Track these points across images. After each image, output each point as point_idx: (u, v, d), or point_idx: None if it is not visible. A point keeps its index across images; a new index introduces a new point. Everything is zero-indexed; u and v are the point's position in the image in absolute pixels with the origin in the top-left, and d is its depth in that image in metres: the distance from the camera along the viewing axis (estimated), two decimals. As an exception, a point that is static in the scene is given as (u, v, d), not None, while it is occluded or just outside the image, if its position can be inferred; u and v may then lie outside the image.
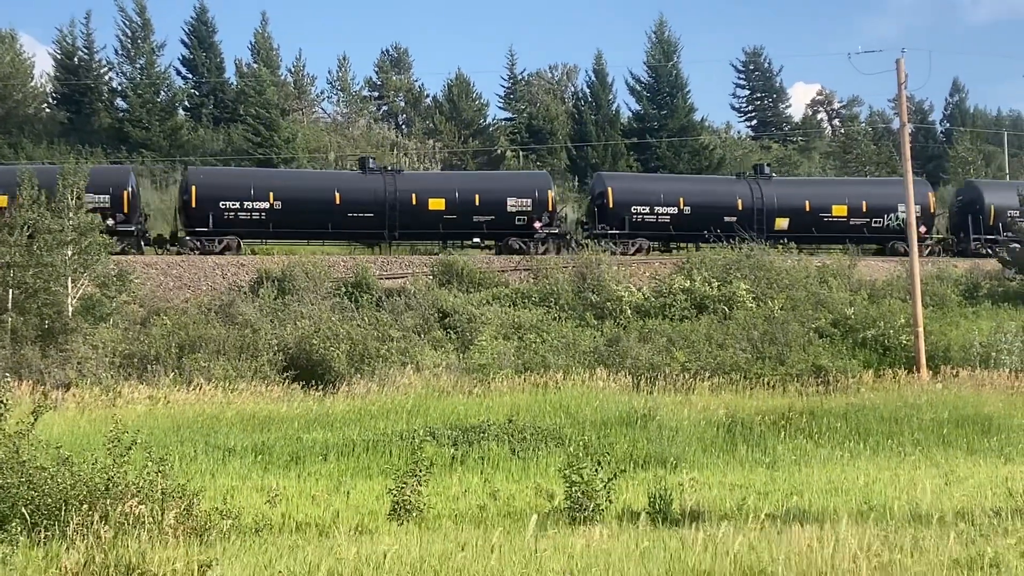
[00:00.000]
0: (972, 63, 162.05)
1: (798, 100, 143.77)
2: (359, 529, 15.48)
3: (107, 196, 49.01)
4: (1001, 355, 40.86)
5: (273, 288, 45.54)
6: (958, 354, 41.49)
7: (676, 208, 54.64)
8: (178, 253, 50.37)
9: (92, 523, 10.81)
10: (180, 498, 14.90)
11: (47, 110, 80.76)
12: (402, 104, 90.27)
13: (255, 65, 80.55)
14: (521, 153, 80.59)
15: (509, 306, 45.86)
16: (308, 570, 11.03)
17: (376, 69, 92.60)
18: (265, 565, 11.39)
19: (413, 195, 52.65)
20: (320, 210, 51.37)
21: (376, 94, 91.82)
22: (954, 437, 29.97)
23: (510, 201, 53.29)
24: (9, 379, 33.67)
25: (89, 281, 41.99)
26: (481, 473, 24.49)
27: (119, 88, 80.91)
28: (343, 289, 46.15)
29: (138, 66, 79.85)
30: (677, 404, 33.59)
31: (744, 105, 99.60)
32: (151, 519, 12.82)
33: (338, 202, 51.73)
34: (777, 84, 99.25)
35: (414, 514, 17.02)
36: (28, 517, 13.65)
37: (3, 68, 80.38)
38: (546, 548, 12.48)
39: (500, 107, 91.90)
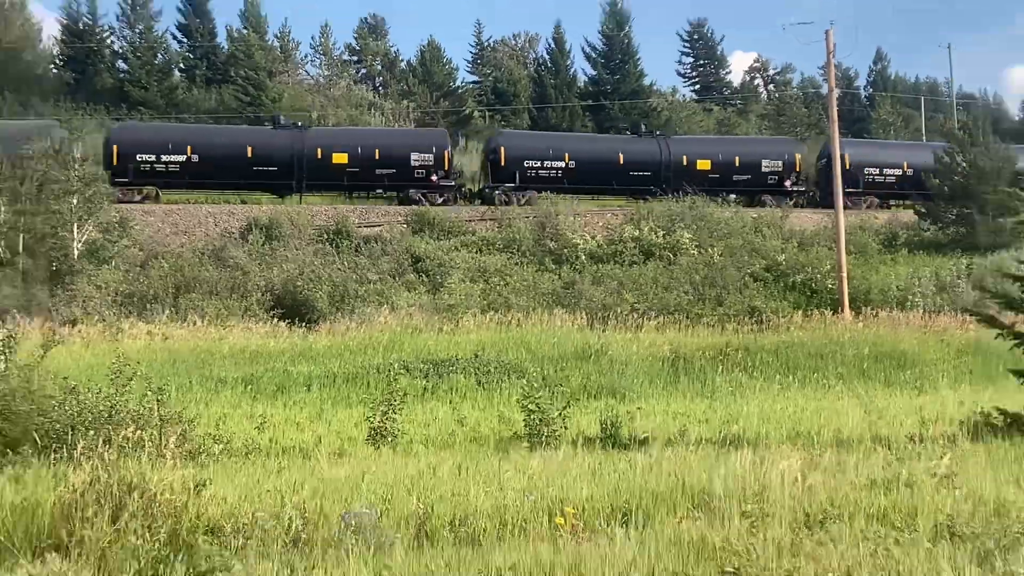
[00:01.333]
0: (894, 33, 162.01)
1: (737, 67, 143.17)
2: (339, 453, 15.49)
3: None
4: (915, 298, 41.15)
5: (261, 234, 45.36)
6: (877, 297, 41.72)
7: (563, 163, 53.57)
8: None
9: (97, 447, 10.75)
10: (176, 424, 14.88)
11: (54, 71, 79.92)
12: (379, 68, 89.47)
13: (245, 31, 79.85)
14: (487, 114, 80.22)
15: (476, 252, 45.84)
16: (293, 489, 11.02)
17: (355, 35, 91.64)
18: (254, 484, 11.39)
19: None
20: (233, 163, 50.49)
21: (355, 58, 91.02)
22: (873, 371, 30.20)
23: (413, 156, 52.15)
24: (20, 316, 33.76)
25: (93, 227, 41.80)
26: (450, 402, 24.53)
27: (120, 51, 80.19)
28: (325, 236, 45.97)
29: (137, 31, 79.23)
30: (626, 341, 33.69)
31: (688, 71, 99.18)
32: (150, 443, 12.78)
33: (250, 155, 50.86)
34: (719, 52, 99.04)
35: (389, 439, 17.06)
36: (38, 441, 13.62)
37: (14, 32, 79.76)
38: (508, 470, 12.52)
39: (468, 71, 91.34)
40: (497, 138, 56.06)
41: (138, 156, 49.93)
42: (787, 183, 54.53)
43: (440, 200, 51.65)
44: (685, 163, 54.12)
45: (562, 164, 53.18)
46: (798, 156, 56.40)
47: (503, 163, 52.79)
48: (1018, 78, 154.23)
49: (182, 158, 50.32)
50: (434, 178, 51.90)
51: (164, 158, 50.05)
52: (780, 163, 55.07)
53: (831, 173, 50.85)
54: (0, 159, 41.71)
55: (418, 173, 51.80)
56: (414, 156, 51.98)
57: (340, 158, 51.20)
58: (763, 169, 54.61)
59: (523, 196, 51.94)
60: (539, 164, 53.03)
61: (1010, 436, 15.17)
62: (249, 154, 50.81)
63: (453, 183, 53.36)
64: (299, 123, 56.28)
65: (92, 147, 50.60)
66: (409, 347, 32.63)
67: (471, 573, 7.43)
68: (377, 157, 51.49)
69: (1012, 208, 37.07)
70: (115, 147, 50.04)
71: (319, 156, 51.29)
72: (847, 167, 52.14)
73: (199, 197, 51.67)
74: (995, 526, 7.89)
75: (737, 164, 54.54)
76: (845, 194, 52.63)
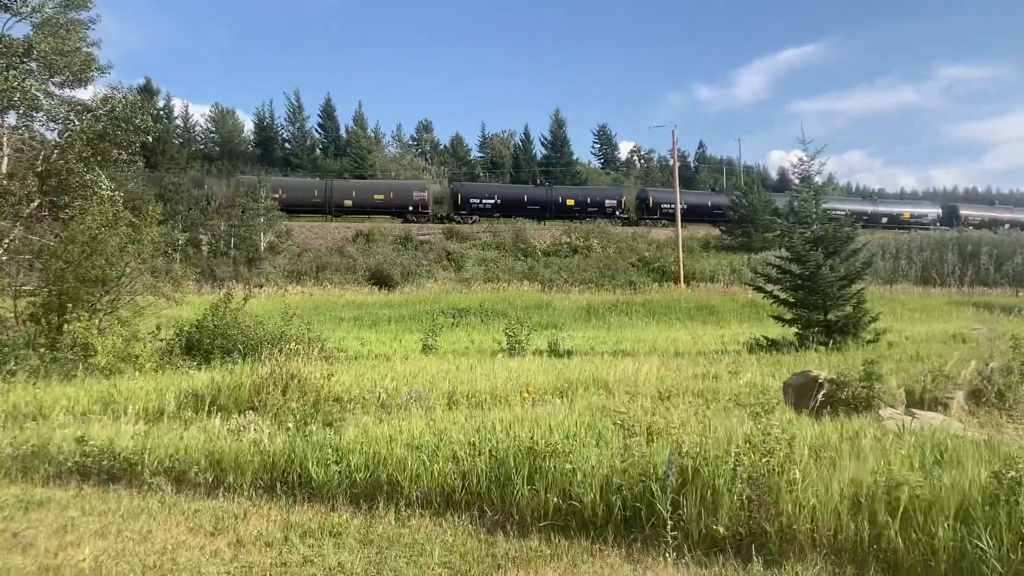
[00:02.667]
0: (708, 131, 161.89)
1: (623, 149, 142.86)
2: (406, 358, 15.49)
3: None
4: (719, 276, 41.31)
5: (363, 239, 45.24)
6: (699, 275, 41.87)
7: (495, 199, 51.16)
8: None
9: (274, 354, 10.73)
10: (317, 342, 14.86)
11: (250, 149, 79.42)
12: (428, 149, 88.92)
13: (355, 127, 79.47)
14: (488, 175, 79.86)
15: (481, 249, 45.80)
16: (381, 377, 11.03)
17: (416, 131, 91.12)
18: (359, 375, 11.39)
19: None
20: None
21: (415, 143, 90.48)
22: (696, 315, 30.37)
23: (415, 194, 49.64)
24: (231, 283, 33.60)
25: (272, 234, 41.79)
26: (466, 331, 24.58)
27: (286, 138, 79.75)
28: (398, 240, 45.87)
29: (296, 127, 78.76)
30: (562, 299, 33.78)
31: (597, 152, 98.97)
32: (303, 351, 12.77)
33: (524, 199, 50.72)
34: (614, 141, 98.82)
35: (433, 351, 17.08)
36: (241, 350, 13.60)
37: (228, 127, 79.30)
38: (497, 366, 12.54)
39: (477, 151, 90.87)
40: (457, 186, 53.52)
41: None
42: (618, 212, 52.52)
43: (424, 220, 49.64)
44: (560, 200, 52.41)
45: (493, 200, 51.45)
46: (624, 196, 54.53)
47: (459, 200, 50.85)
48: (776, 156, 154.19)
49: (492, 201, 50.34)
50: (419, 207, 49.72)
51: (485, 201, 50.19)
52: (615, 200, 53.18)
53: (644, 206, 51.17)
54: (218, 196, 41.87)
55: (412, 206, 49.67)
56: (415, 194, 49.98)
57: (379, 196, 49.24)
58: (606, 203, 52.72)
59: (471, 218, 50.52)
60: (479, 200, 51.29)
61: (770, 351, 15.25)
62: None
63: (430, 211, 50.42)
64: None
65: (434, 193, 51.11)
66: (444, 301, 32.70)
67: (477, 422, 7.44)
68: (391, 196, 49.46)
69: (770, 228, 37.18)
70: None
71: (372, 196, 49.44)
72: (650, 203, 52.04)
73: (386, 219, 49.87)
74: (761, 399, 7.93)
75: (589, 201, 52.80)
76: (649, 218, 52.15)
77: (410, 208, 49.88)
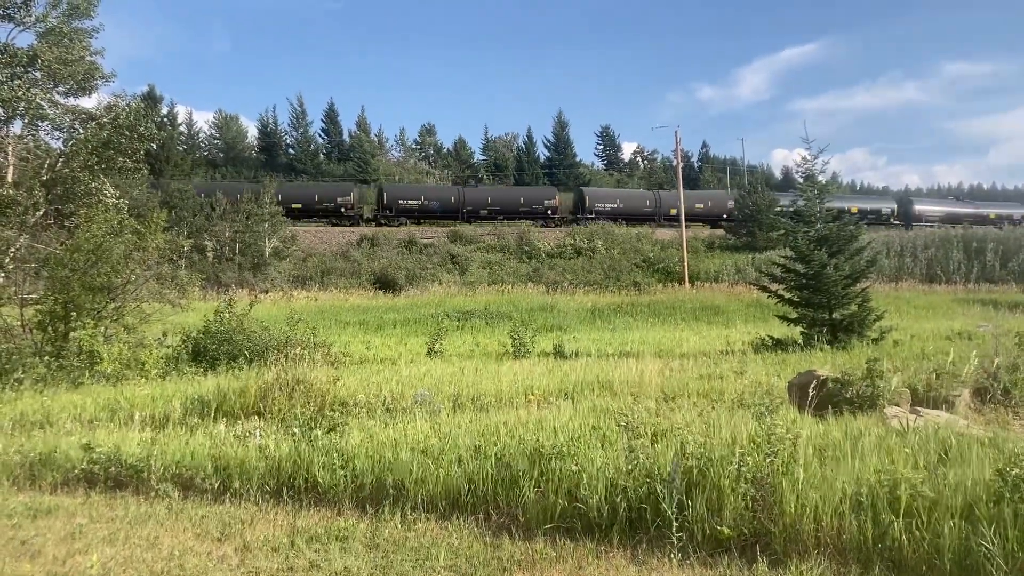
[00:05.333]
0: (712, 130, 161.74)
1: (627, 150, 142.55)
2: (411, 361, 15.51)
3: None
4: (723, 275, 41.27)
5: (368, 243, 45.33)
6: (704, 275, 41.84)
7: (420, 201, 50.32)
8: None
9: (279, 359, 10.78)
10: (323, 347, 14.92)
11: (254, 155, 79.69)
12: (432, 152, 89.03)
13: (358, 132, 79.67)
14: (491, 178, 79.94)
15: (485, 252, 45.84)
16: (386, 381, 11.05)
17: (419, 134, 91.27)
18: (365, 379, 11.41)
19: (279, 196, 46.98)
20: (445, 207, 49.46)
21: (419, 146, 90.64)
22: (701, 316, 30.32)
23: (339, 198, 49.03)
24: (236, 288, 33.67)
25: (276, 239, 41.96)
26: (471, 334, 24.60)
27: (290, 143, 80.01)
28: (402, 244, 45.95)
29: (299, 131, 78.98)
30: (566, 301, 33.79)
31: (601, 153, 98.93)
32: (308, 356, 12.81)
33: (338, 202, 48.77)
34: (617, 142, 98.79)
35: (438, 354, 17.10)
36: (247, 356, 13.64)
37: (231, 133, 79.56)
38: (502, 369, 12.56)
39: (480, 154, 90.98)
40: (383, 186, 53.36)
41: (399, 201, 49.40)
42: (549, 211, 51.69)
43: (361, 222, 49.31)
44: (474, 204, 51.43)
45: (419, 202, 50.71)
46: (558, 197, 53.50)
47: (385, 200, 49.78)
48: (779, 155, 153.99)
49: (417, 203, 49.52)
50: (343, 209, 49.27)
51: (412, 202, 49.37)
52: (551, 200, 52.35)
53: (578, 205, 51.41)
54: (223, 201, 42.02)
55: (339, 207, 49.24)
56: (340, 199, 49.29)
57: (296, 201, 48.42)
58: (544, 204, 51.65)
59: (396, 221, 49.71)
60: (406, 202, 50.46)
61: (775, 351, 15.24)
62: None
63: (356, 212, 49.97)
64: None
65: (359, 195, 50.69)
66: (448, 304, 32.73)
67: (482, 425, 7.46)
68: (316, 200, 49.03)
69: (775, 227, 37.11)
70: (384, 194, 49.37)
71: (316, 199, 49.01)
72: (587, 203, 51.21)
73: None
74: (765, 399, 7.92)
75: (522, 201, 51.86)
76: (585, 218, 51.48)
77: (338, 209, 49.12)
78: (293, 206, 47.67)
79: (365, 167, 71.86)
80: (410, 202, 50.72)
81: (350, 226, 48.98)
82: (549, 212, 52.10)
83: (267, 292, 35.89)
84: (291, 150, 79.07)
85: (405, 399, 9.61)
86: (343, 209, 49.62)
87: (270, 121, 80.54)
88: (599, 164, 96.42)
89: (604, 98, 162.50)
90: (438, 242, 46.70)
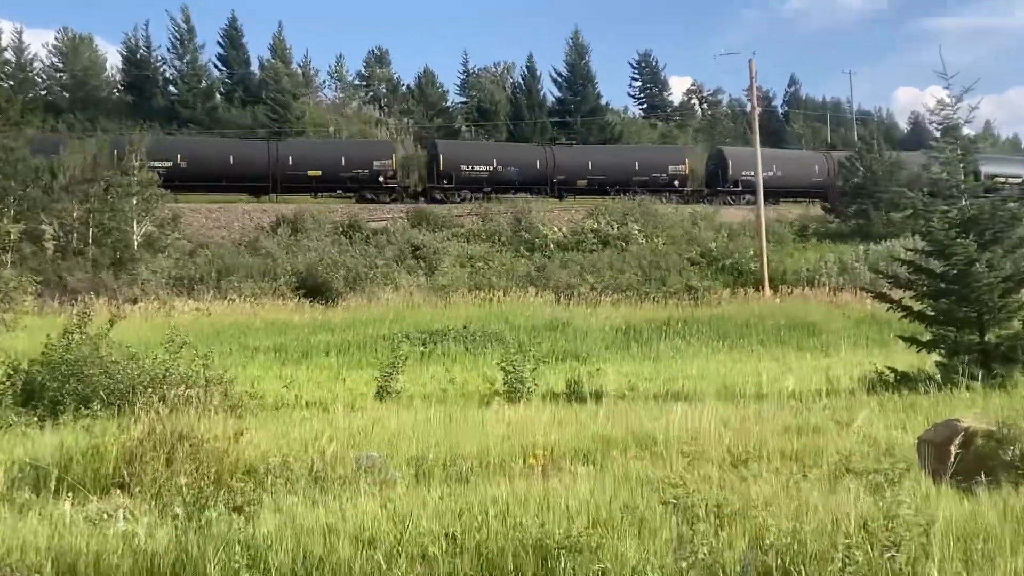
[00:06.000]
0: (804, 61, 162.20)
1: (676, 89, 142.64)
2: (353, 407, 15.47)
3: None
4: (822, 278, 41.40)
5: (288, 228, 45.35)
6: (791, 277, 42.00)
7: (491, 166, 52.88)
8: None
9: (153, 403, 10.74)
10: (219, 384, 14.84)
11: (116, 95, 79.68)
12: (384, 91, 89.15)
13: (273, 60, 79.70)
14: (473, 128, 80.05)
15: (464, 242, 45.92)
16: (315, 437, 11.02)
17: (364, 64, 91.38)
18: (283, 434, 11.38)
19: (290, 158, 51.00)
20: (218, 169, 49.67)
21: (364, 83, 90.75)
22: (788, 338, 30.30)
23: (376, 163, 51.62)
24: (90, 296, 33.70)
25: (150, 222, 41.92)
26: (443, 365, 24.50)
27: (171, 78, 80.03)
28: (340, 229, 45.95)
29: (185, 61, 78.94)
30: (587, 314, 33.81)
31: (637, 93, 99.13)
32: (197, 400, 12.77)
33: (231, 163, 50.08)
34: (662, 77, 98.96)
35: (393, 395, 17.05)
36: (105, 398, 13.57)
37: (83, 63, 79.53)
38: (489, 417, 12.54)
39: (457, 93, 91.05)
40: (438, 145, 55.60)
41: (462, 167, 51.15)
42: (676, 182, 53.91)
43: (391, 199, 51.41)
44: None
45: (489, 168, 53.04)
46: (688, 161, 56.03)
47: (441, 167, 52.35)
48: (905, 97, 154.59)
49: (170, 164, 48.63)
50: (381, 179, 51.63)
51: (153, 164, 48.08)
52: (678, 165, 54.56)
53: (715, 175, 51.33)
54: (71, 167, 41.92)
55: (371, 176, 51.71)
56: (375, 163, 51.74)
57: (310, 164, 51.21)
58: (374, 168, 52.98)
59: (459, 195, 51.98)
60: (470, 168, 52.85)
61: (899, 390, 15.26)
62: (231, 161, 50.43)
63: (397, 184, 52.54)
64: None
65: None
66: (410, 320, 32.64)
67: (460, 504, 7.46)
68: (343, 164, 51.34)
69: (901, 205, 37.23)
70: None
71: (290, 163, 51.15)
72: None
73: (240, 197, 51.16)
74: (885, 463, 7.95)
75: (637, 167, 54.19)
76: (728, 192, 52.82)
77: (366, 177, 50.81)
78: (310, 172, 49.67)
79: (283, 113, 71.94)
80: (476, 168, 52.32)
81: (390, 202, 50.20)
82: (676, 183, 52.91)
83: (136, 302, 35.79)
84: (172, 87, 79.10)
85: (344, 463, 9.58)
86: (381, 178, 50.97)
87: (140, 45, 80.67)
88: (635, 109, 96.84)
89: (643, 10, 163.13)
90: (394, 226, 46.75)
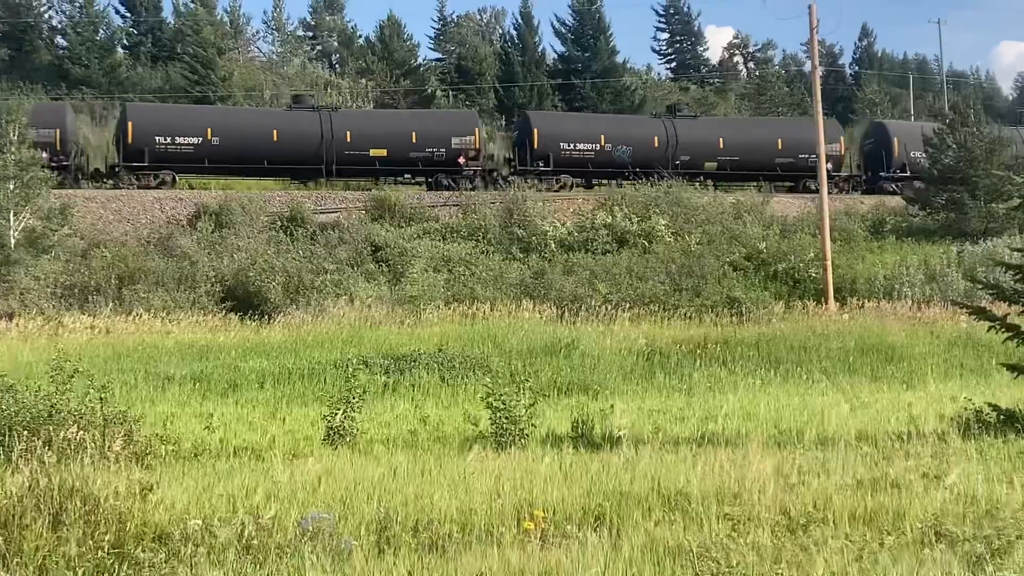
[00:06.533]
0: (881, 8, 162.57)
1: (715, 44, 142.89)
2: (295, 454, 15.45)
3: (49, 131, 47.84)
4: (903, 287, 41.37)
5: (210, 222, 45.15)
6: (864, 286, 41.98)
7: (596, 144, 53.81)
8: (115, 187, 49.57)
9: (36, 448, 10.73)
10: (121, 424, 14.81)
11: (-11, 48, 79.73)
12: (335, 44, 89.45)
13: (192, 5, 79.81)
14: (451, 93, 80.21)
15: (439, 240, 45.85)
16: (245, 493, 11.00)
17: (310, 10, 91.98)
18: (204, 488, 11.35)
19: (348, 133, 51.74)
20: (257, 146, 50.24)
21: (310, 34, 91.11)
22: (859, 365, 30.26)
23: (455, 141, 52.36)
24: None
25: (31, 214, 41.57)
26: (412, 400, 24.48)
27: (59, 26, 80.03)
28: (278, 223, 45.84)
29: (77, 5, 78.97)
30: (599, 334, 33.76)
31: (664, 48, 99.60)
32: (93, 445, 12.74)
33: (275, 139, 50.66)
34: (696, 28, 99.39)
35: (348, 439, 17.02)
36: (-27, 443, 13.54)
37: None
38: (474, 471, 12.53)
39: (431, 48, 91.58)
40: (531, 118, 56.55)
41: (157, 138, 49.86)
42: (461, 160, 53.63)
43: (471, 186, 52.28)
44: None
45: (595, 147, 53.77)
46: (843, 139, 56.98)
47: (536, 144, 53.14)
48: (1009, 53, 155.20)
49: (199, 140, 50.44)
50: (461, 160, 52.71)
51: (183, 140, 50.47)
52: (460, 140, 54.19)
53: (882, 155, 51.80)
54: None
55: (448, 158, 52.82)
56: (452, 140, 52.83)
57: (372, 142, 52.06)
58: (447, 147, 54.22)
59: (557, 181, 53.10)
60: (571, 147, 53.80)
61: (1003, 433, 15.27)
62: (275, 137, 51.10)
63: (482, 167, 53.72)
64: (324, 105, 57.48)
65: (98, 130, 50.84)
66: (369, 341, 32.54)
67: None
68: (414, 141, 52.41)
69: (1005, 193, 37.23)
70: (130, 126, 49.90)
71: (348, 139, 51.76)
72: (535, 143, 53.31)
73: (215, 183, 52.09)
74: (987, 528, 7.96)
75: (414, 141, 53.73)
76: (893, 179, 53.30)
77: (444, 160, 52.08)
78: (373, 152, 50.48)
79: (205, 73, 71.91)
80: (580, 147, 53.27)
81: (471, 190, 50.87)
82: (830, 168, 53.09)
83: (13, 316, 35.69)
84: (61, 38, 79.02)
85: (284, 528, 9.57)
86: (461, 159, 51.88)
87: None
88: (660, 67, 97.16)
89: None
90: (347, 219, 46.68)
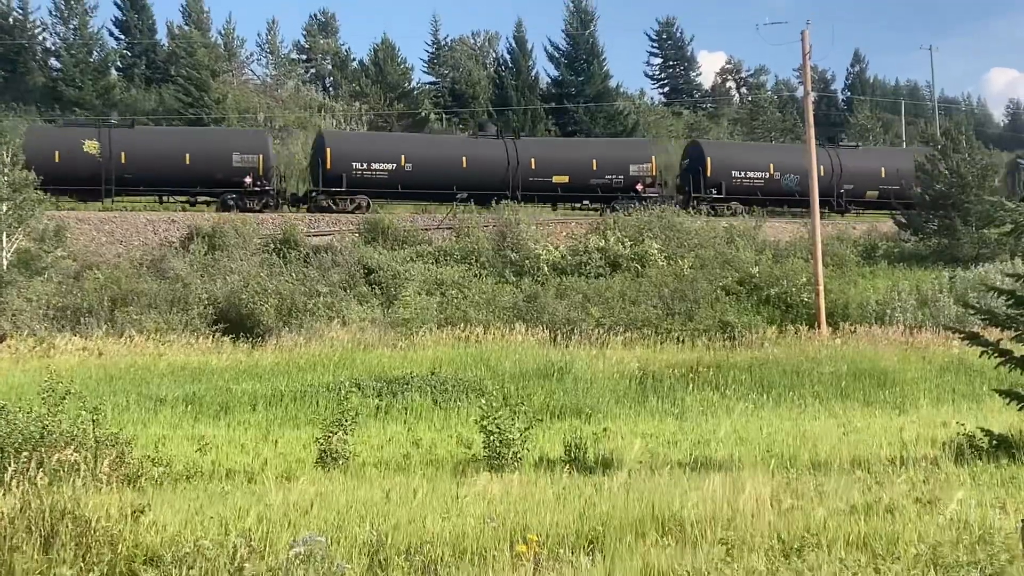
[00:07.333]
0: (873, 36, 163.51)
1: (707, 69, 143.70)
2: (287, 476, 15.43)
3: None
4: (895, 313, 41.42)
5: (203, 244, 45.11)
6: (856, 311, 42.01)
7: (766, 172, 55.28)
8: (308, 211, 51.22)
9: (27, 470, 10.69)
10: (113, 446, 14.81)
11: (-17, 68, 79.82)
12: (329, 67, 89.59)
13: (186, 27, 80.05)
14: (444, 116, 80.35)
15: (432, 263, 45.85)
16: (237, 515, 10.97)
17: (304, 33, 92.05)
18: (196, 511, 11.32)
19: (532, 160, 52.97)
20: (448, 173, 51.83)
21: (304, 57, 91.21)
22: (852, 390, 30.33)
23: (632, 168, 53.65)
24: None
25: (24, 236, 41.56)
26: (404, 423, 24.51)
27: (53, 48, 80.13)
28: (271, 245, 45.82)
29: (71, 27, 79.07)
30: (592, 358, 33.79)
31: (657, 73, 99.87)
32: (85, 467, 12.71)
33: (464, 166, 52.14)
34: (688, 53, 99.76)
35: (340, 462, 17.01)
36: (-38, 464, 13.51)
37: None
38: (467, 495, 12.51)
39: (424, 71, 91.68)
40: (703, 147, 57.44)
41: (353, 164, 51.42)
42: (639, 187, 54.50)
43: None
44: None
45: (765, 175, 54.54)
46: (654, 159, 56.77)
47: (709, 173, 53.96)
48: (999, 80, 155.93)
49: (392, 167, 51.87)
50: (639, 187, 53.67)
51: (377, 166, 51.84)
52: (647, 167, 55.37)
53: (694, 176, 52.42)
54: None
55: (629, 183, 53.71)
56: (632, 167, 54.02)
57: (554, 168, 53.51)
58: (630, 173, 54.84)
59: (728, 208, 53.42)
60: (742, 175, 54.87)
61: (996, 459, 15.28)
62: (464, 164, 52.84)
63: (657, 193, 54.26)
64: (506, 133, 59.71)
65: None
66: (361, 364, 32.54)
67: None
68: (595, 168, 53.62)
69: (997, 218, 37.19)
70: (328, 152, 51.58)
71: (533, 166, 53.40)
72: (708, 171, 54.23)
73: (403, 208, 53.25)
74: (981, 554, 7.94)
75: (595, 168, 54.71)
76: (703, 198, 53.40)
77: (621, 185, 53.22)
78: (555, 179, 51.86)
79: (199, 93, 72.02)
80: (750, 175, 54.55)
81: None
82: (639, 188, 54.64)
83: (5, 338, 35.63)
84: (55, 60, 79.13)
85: (275, 551, 9.55)
86: (639, 186, 52.87)
87: (12, 7, 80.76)
88: (653, 92, 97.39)
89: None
90: (340, 243, 46.69)
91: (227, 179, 50.03)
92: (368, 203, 51.13)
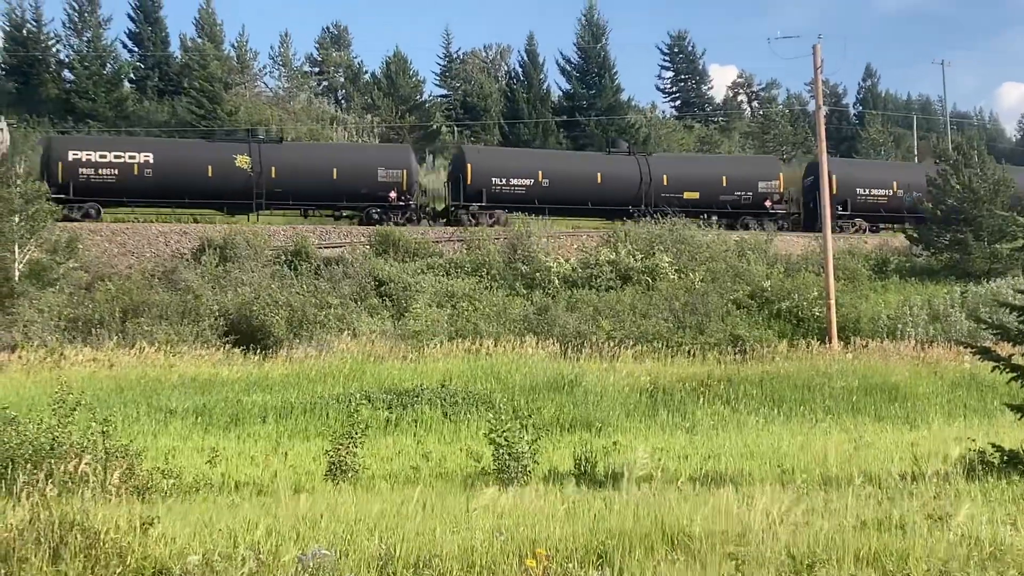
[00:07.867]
0: (884, 50, 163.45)
1: (719, 82, 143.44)
2: (297, 489, 15.39)
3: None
4: (907, 327, 41.35)
5: (215, 255, 45.16)
6: (867, 326, 41.95)
7: (889, 190, 56.60)
8: (448, 224, 52.50)
9: (37, 481, 10.69)
10: (123, 458, 14.79)
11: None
12: (341, 80, 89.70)
13: (199, 40, 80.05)
14: (456, 129, 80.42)
15: (443, 275, 45.90)
16: (247, 528, 10.94)
17: (317, 45, 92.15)
18: (205, 523, 11.29)
19: (664, 176, 53.88)
20: (584, 188, 52.87)
21: (316, 70, 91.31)
22: (863, 404, 30.29)
23: (761, 185, 54.90)
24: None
25: (35, 247, 41.61)
26: (414, 435, 24.49)
27: (66, 60, 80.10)
28: (283, 257, 45.88)
29: (85, 39, 79.15)
30: (602, 371, 33.77)
31: (668, 86, 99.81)
32: (95, 478, 12.71)
33: (599, 181, 53.14)
34: (700, 67, 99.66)
35: (350, 475, 16.98)
36: (-26, 476, 13.51)
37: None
38: (476, 508, 12.47)
39: (436, 84, 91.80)
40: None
41: (493, 179, 52.96)
42: (767, 203, 55.57)
43: (783, 225, 54.40)
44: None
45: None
46: (782, 176, 57.57)
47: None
48: (1012, 95, 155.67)
49: (531, 182, 53.49)
50: (768, 204, 54.93)
51: (516, 181, 53.45)
52: (769, 184, 56.11)
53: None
54: None
55: (753, 200, 55.13)
56: (761, 185, 55.38)
57: (686, 184, 54.91)
58: (759, 190, 55.66)
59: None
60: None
61: (1007, 475, 15.22)
62: (599, 180, 54.13)
63: (798, 211, 55.87)
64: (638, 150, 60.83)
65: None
66: (371, 376, 32.55)
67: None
68: (724, 184, 55.13)
69: (1009, 233, 37.21)
70: (469, 168, 52.74)
71: (665, 183, 54.58)
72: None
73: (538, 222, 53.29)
74: (991, 571, 7.90)
75: (724, 184, 55.56)
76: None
77: (745, 202, 54.80)
78: (687, 195, 53.27)
79: (213, 106, 72.11)
80: (875, 192, 56.08)
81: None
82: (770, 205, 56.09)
83: (16, 349, 35.67)
84: (68, 72, 79.26)
85: (283, 565, 9.53)
86: (767, 203, 54.32)
87: (27, 18, 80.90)
88: (665, 106, 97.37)
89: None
90: (351, 255, 46.73)
91: (372, 193, 51.23)
92: (505, 217, 51.80)
